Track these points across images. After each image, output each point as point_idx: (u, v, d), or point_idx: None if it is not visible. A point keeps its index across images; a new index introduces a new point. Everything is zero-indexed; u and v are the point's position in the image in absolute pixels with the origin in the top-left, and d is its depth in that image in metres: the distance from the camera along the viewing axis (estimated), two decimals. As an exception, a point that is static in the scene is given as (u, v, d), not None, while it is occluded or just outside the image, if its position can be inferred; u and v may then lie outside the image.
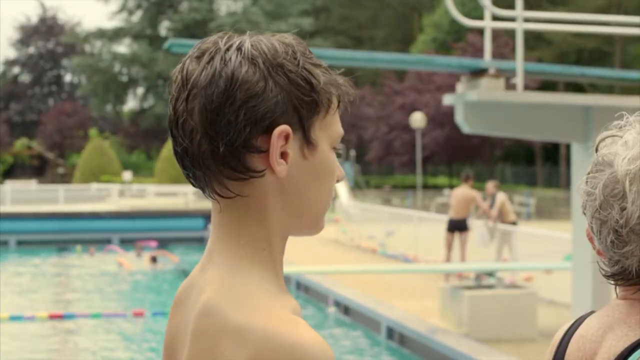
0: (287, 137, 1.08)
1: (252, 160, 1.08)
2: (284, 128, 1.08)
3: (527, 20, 7.49)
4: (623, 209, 1.33)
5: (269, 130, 1.08)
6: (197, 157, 1.09)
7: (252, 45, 1.10)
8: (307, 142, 1.11)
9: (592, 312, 1.47)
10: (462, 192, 13.72)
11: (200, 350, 1.05)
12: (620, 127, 1.42)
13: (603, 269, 1.42)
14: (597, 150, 1.41)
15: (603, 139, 1.41)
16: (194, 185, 1.13)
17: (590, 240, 1.43)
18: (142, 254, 19.01)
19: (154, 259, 17.90)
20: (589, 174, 1.39)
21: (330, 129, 1.14)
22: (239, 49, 1.10)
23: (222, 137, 1.07)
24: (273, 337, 1.00)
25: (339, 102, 1.15)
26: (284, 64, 1.09)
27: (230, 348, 1.02)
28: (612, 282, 1.41)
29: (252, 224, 1.11)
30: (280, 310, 1.04)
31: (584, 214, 1.41)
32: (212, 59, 1.10)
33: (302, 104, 1.10)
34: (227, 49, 1.10)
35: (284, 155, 1.09)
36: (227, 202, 1.11)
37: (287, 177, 1.10)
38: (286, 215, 1.12)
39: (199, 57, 1.11)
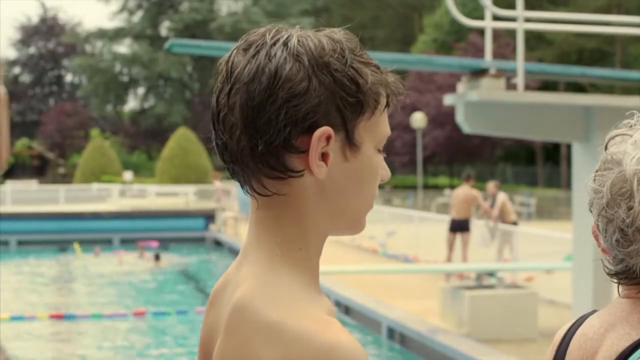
0: (328, 139, 1.05)
1: (291, 160, 1.05)
2: (325, 130, 1.05)
3: (527, 20, 7.48)
4: (630, 208, 1.33)
5: (310, 131, 1.05)
6: (235, 153, 1.07)
7: (298, 41, 1.07)
8: (350, 143, 1.07)
9: (594, 312, 1.47)
10: (463, 191, 13.70)
11: (233, 347, 1.03)
12: (631, 126, 1.42)
13: (607, 267, 1.42)
14: (606, 148, 1.41)
15: (613, 137, 1.42)
16: (233, 178, 1.12)
17: (596, 237, 1.43)
18: (144, 254, 19.00)
19: (157, 257, 17.88)
20: (597, 171, 1.39)
21: (375, 130, 1.10)
22: (285, 44, 1.07)
23: (262, 135, 1.04)
24: (307, 337, 0.98)
25: (387, 102, 1.11)
26: (330, 62, 1.06)
27: (263, 346, 1.00)
28: (616, 280, 1.41)
29: (289, 223, 1.08)
30: (314, 311, 1.02)
31: (591, 211, 1.41)
32: (257, 52, 1.07)
33: (346, 105, 1.06)
34: (274, 44, 1.07)
35: (324, 156, 1.06)
36: (264, 200, 1.08)
37: (328, 178, 1.07)
38: (325, 216, 1.09)
39: (245, 50, 1.08)
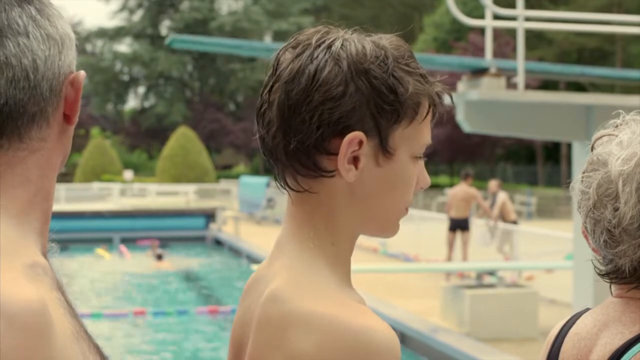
0: (360, 144, 1.07)
1: (322, 161, 1.08)
2: (355, 135, 1.07)
3: (528, 19, 7.47)
4: (616, 209, 1.33)
5: (342, 134, 1.07)
6: (271, 147, 1.11)
7: (342, 45, 1.09)
8: (383, 150, 1.09)
9: (586, 310, 1.47)
10: (462, 190, 13.69)
11: (266, 338, 1.05)
12: (617, 126, 1.42)
13: (598, 268, 1.42)
14: (593, 148, 1.42)
15: (599, 138, 1.43)
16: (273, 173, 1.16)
17: (586, 237, 1.44)
18: (155, 252, 18.94)
19: (159, 257, 17.82)
20: (584, 172, 1.40)
21: (413, 139, 1.11)
22: (329, 47, 1.09)
23: (295, 134, 1.08)
24: (338, 322, 1.00)
25: (430, 112, 1.12)
26: (370, 69, 1.07)
27: (295, 335, 1.02)
28: (607, 280, 1.42)
29: (320, 220, 1.11)
30: (346, 299, 1.05)
31: (579, 212, 1.41)
32: (302, 53, 1.10)
33: (382, 113, 1.08)
34: (318, 45, 1.10)
35: (355, 160, 1.08)
36: (298, 195, 1.12)
37: (358, 182, 1.10)
38: (356, 217, 1.12)
39: (293, 48, 1.11)
